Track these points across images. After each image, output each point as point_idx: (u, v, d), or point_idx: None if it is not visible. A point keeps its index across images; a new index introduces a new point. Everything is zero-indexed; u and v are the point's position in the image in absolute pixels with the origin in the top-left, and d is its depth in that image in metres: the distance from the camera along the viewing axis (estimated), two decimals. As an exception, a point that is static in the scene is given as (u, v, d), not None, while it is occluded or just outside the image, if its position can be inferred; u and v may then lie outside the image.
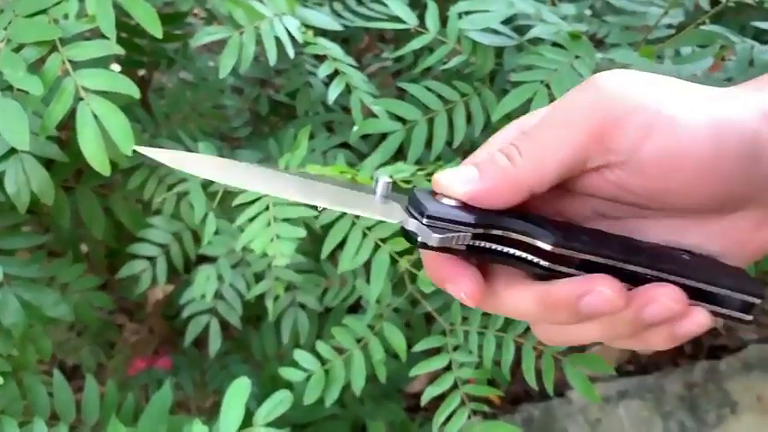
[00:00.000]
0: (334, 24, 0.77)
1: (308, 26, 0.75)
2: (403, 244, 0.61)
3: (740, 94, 0.25)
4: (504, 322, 0.63)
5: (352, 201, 0.27)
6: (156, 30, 0.57)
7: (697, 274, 0.26)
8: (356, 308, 0.81)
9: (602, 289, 0.24)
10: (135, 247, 0.76)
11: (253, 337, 0.94)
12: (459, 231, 0.26)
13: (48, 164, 0.67)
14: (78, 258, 0.85)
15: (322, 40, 0.73)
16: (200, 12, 0.97)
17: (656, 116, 0.24)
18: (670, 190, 0.25)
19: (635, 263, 0.26)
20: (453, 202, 0.26)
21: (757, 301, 0.26)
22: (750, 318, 0.27)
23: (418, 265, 0.62)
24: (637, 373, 1.26)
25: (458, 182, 0.26)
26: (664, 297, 0.24)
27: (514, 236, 0.26)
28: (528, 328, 0.63)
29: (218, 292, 0.75)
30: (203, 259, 0.77)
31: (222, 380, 0.94)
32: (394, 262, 0.62)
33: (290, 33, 0.71)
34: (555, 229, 0.26)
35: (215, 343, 0.78)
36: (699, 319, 0.25)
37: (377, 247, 0.61)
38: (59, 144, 0.69)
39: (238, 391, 0.59)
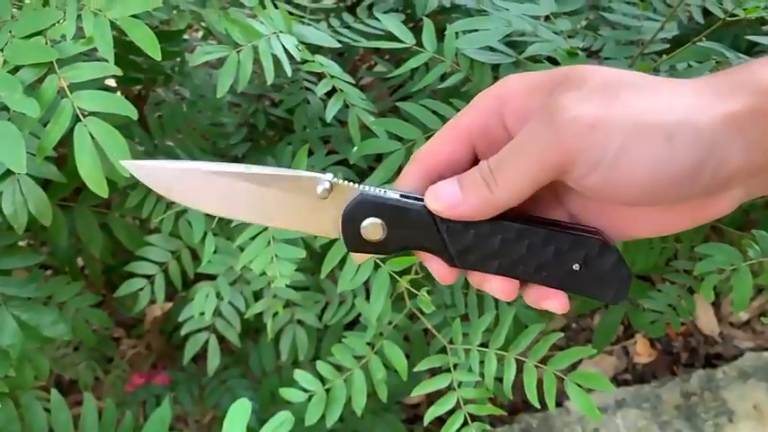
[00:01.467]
0: (331, 42, 0.77)
1: (304, 42, 0.75)
2: (403, 263, 0.61)
3: (700, 103, 0.28)
4: (504, 341, 0.63)
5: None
6: (156, 52, 0.57)
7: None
8: (354, 322, 0.81)
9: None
10: (133, 265, 0.76)
11: (251, 351, 0.94)
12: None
13: (45, 182, 0.67)
14: (76, 276, 0.85)
15: (320, 58, 0.73)
16: (196, 26, 0.97)
17: (602, 154, 0.28)
18: (611, 209, 0.32)
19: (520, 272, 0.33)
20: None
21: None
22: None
23: (418, 284, 0.62)
24: (634, 383, 1.26)
25: (443, 204, 0.32)
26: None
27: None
28: (529, 346, 0.63)
29: (217, 309, 0.75)
30: (201, 276, 0.76)
31: (221, 395, 0.94)
32: (393, 280, 0.62)
33: (287, 51, 0.71)
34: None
35: (213, 360, 0.78)
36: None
37: (376, 266, 0.61)
38: (57, 162, 0.69)
39: (239, 413, 0.59)
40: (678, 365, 1.29)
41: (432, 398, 0.67)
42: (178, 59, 0.85)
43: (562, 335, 0.64)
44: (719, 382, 1.19)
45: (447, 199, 0.32)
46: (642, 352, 1.30)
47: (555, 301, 0.33)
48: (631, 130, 0.28)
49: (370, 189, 0.32)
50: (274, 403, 0.93)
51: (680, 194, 0.29)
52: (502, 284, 0.33)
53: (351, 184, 0.32)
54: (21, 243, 0.81)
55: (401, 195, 0.33)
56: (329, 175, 0.32)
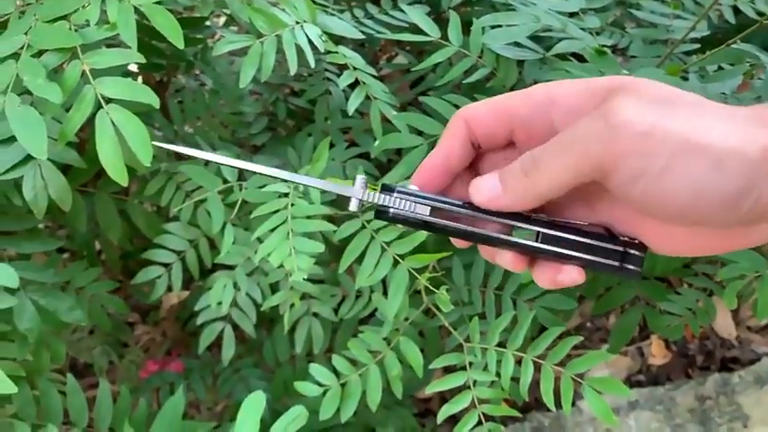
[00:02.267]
0: (355, 32, 0.76)
1: (327, 32, 0.74)
2: (422, 260, 0.60)
3: (752, 132, 0.27)
4: (522, 342, 0.63)
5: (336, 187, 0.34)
6: (179, 40, 0.56)
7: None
8: (370, 314, 0.81)
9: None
10: (151, 252, 0.76)
11: (265, 340, 0.94)
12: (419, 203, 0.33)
13: (65, 168, 0.67)
14: (93, 261, 0.85)
15: (342, 49, 0.72)
16: (218, 12, 0.96)
17: (649, 166, 0.28)
18: (644, 222, 0.31)
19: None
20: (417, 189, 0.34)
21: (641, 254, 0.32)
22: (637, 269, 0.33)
23: (436, 281, 0.61)
24: (648, 384, 1.25)
25: (485, 196, 0.32)
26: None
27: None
28: (548, 349, 0.62)
29: (234, 299, 0.75)
30: (218, 266, 0.76)
31: (234, 384, 0.94)
32: (412, 277, 0.61)
33: (310, 41, 0.71)
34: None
35: (228, 351, 0.78)
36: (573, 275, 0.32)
37: (395, 263, 0.60)
38: (77, 147, 0.69)
39: (254, 405, 0.59)
40: (693, 368, 1.27)
41: (444, 394, 0.67)
42: (200, 46, 0.84)
43: (581, 338, 0.63)
44: (735, 387, 1.18)
45: (488, 192, 0.32)
46: (657, 353, 1.29)
47: (569, 274, 0.32)
48: (683, 146, 0.27)
49: (400, 203, 0.33)
50: (288, 394, 0.93)
51: (716, 221, 0.28)
52: (513, 259, 0.33)
53: (382, 196, 0.33)
54: (39, 226, 0.82)
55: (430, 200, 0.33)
56: (359, 190, 0.34)
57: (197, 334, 0.83)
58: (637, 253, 0.32)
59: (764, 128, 0.27)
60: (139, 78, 0.86)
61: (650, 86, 0.30)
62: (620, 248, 0.32)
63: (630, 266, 0.32)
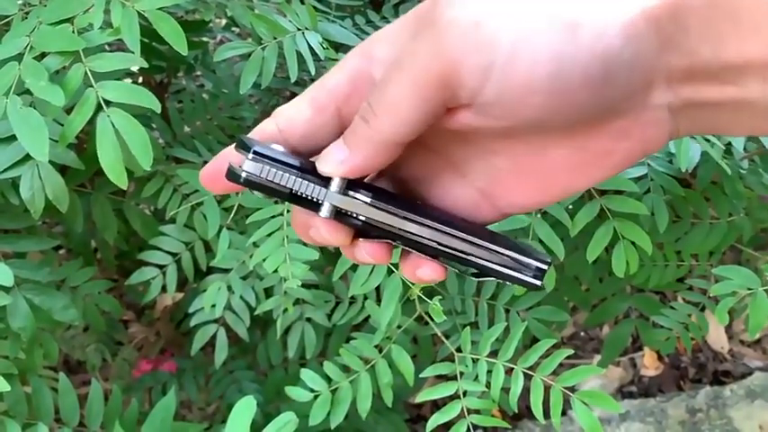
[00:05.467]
0: (355, 40, 0.76)
1: (328, 39, 0.75)
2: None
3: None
4: (514, 353, 0.63)
5: None
6: (183, 47, 0.57)
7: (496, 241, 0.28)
8: (364, 320, 0.81)
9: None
10: (146, 254, 0.76)
11: (259, 342, 0.94)
12: (282, 170, 0.27)
13: (63, 167, 0.67)
14: (89, 260, 0.85)
15: (343, 56, 0.73)
16: (219, 14, 0.96)
17: (493, 56, 0.23)
18: (519, 126, 0.25)
19: (442, 243, 0.28)
20: (282, 149, 0.27)
21: (545, 267, 0.29)
22: (539, 283, 0.29)
23: (431, 291, 0.62)
24: (639, 395, 1.26)
25: (332, 163, 0.27)
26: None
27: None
28: (538, 362, 0.63)
29: (227, 302, 0.75)
30: (213, 268, 0.77)
31: (227, 386, 0.95)
32: (406, 286, 0.61)
33: (311, 48, 0.71)
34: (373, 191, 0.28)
35: (221, 354, 0.78)
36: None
37: (389, 272, 0.61)
38: (77, 148, 0.69)
39: (244, 410, 0.59)
40: (685, 380, 1.28)
41: (436, 401, 0.67)
42: (201, 50, 0.85)
43: (572, 351, 0.64)
44: (726, 401, 1.18)
45: (333, 157, 0.27)
46: (649, 365, 1.30)
47: (428, 269, 0.28)
48: (525, 22, 0.23)
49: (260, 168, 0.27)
50: (280, 397, 0.94)
51: (594, 99, 0.24)
52: (373, 249, 0.28)
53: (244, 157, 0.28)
54: (36, 223, 0.82)
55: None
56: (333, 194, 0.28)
57: (191, 334, 0.83)
58: (542, 266, 0.29)
59: None
60: (140, 79, 0.86)
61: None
62: (530, 261, 0.28)
63: (535, 281, 0.29)
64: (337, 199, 0.27)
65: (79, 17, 0.60)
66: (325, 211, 0.27)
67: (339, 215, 0.28)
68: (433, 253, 0.28)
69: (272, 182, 0.27)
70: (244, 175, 0.26)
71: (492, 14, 0.23)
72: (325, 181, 0.27)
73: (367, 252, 0.28)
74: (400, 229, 0.28)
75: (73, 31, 0.59)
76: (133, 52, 0.58)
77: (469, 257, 0.28)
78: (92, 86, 0.58)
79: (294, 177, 0.27)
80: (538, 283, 0.29)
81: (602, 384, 1.27)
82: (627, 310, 0.92)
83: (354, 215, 0.28)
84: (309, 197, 0.27)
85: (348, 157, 0.26)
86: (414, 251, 0.29)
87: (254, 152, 0.26)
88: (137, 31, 0.58)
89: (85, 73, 0.58)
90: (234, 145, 0.28)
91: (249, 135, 0.29)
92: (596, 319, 0.94)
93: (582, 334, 1.31)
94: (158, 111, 0.58)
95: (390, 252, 0.29)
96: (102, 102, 0.58)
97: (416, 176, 0.30)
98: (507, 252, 0.28)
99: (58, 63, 0.59)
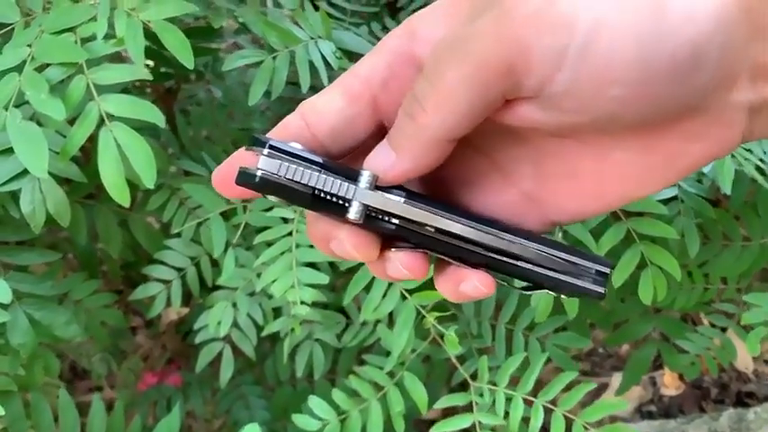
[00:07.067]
0: (370, 48, 0.73)
1: (341, 48, 0.72)
2: (430, 298, 0.57)
3: None
4: (534, 386, 0.60)
5: None
6: (188, 60, 0.54)
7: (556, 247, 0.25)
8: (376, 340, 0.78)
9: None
10: (151, 268, 0.74)
11: (267, 355, 0.92)
12: (303, 167, 0.23)
13: (66, 179, 0.65)
14: (94, 271, 0.83)
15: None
16: (231, 19, 0.94)
17: (569, 38, 0.20)
18: (586, 123, 0.22)
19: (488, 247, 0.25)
20: (300, 146, 0.24)
21: (607, 270, 0.25)
22: (602, 290, 0.25)
23: (445, 321, 0.58)
24: (659, 415, 1.22)
25: (379, 170, 0.24)
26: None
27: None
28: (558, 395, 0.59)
29: (234, 320, 0.72)
30: (219, 284, 0.74)
31: (233, 401, 0.92)
32: (420, 315, 0.58)
33: (324, 57, 0.68)
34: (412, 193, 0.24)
35: (226, 372, 0.76)
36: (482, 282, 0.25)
37: (403, 297, 0.58)
38: (80, 158, 0.67)
39: (249, 440, 0.56)
40: (707, 401, 1.24)
41: (448, 413, 0.64)
42: (211, 57, 0.82)
43: (594, 385, 0.60)
44: (750, 424, 1.14)
45: (378, 163, 0.23)
46: (670, 384, 1.25)
47: (474, 281, 0.25)
48: (607, 1, 0.20)
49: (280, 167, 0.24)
50: (287, 416, 0.91)
51: (679, 91, 0.21)
52: (409, 260, 0.25)
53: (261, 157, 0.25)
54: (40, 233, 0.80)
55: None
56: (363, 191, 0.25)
57: (198, 347, 0.81)
58: (604, 269, 0.25)
59: None
60: (148, 91, 0.84)
61: None
62: (588, 264, 0.25)
63: (596, 287, 0.25)
64: (369, 197, 0.23)
65: (82, 26, 0.57)
66: (354, 212, 0.23)
67: (369, 219, 0.24)
68: (479, 260, 0.25)
69: (292, 180, 0.23)
70: (259, 173, 0.23)
71: None
72: (353, 179, 0.24)
73: (402, 264, 0.25)
74: (443, 231, 0.24)
75: (76, 41, 0.56)
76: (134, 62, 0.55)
77: (520, 264, 0.25)
78: (94, 100, 0.55)
79: (318, 174, 0.23)
80: (600, 290, 0.25)
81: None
82: (649, 331, 0.88)
83: (387, 218, 0.24)
84: (335, 198, 0.23)
85: (396, 161, 0.23)
86: (454, 261, 0.25)
87: (270, 146, 0.23)
88: (142, 42, 0.55)
89: (87, 85, 0.55)
90: (247, 145, 0.24)
91: (269, 134, 0.25)
92: (617, 339, 0.91)
93: (600, 350, 1.27)
94: (162, 125, 0.56)
95: (428, 263, 0.25)
96: (104, 115, 0.55)
97: (454, 178, 0.26)
98: (564, 255, 0.25)
99: (60, 74, 0.56)
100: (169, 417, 0.73)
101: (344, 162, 0.25)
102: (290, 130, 0.25)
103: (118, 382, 1.03)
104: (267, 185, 0.23)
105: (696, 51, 0.20)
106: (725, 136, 0.23)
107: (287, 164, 0.23)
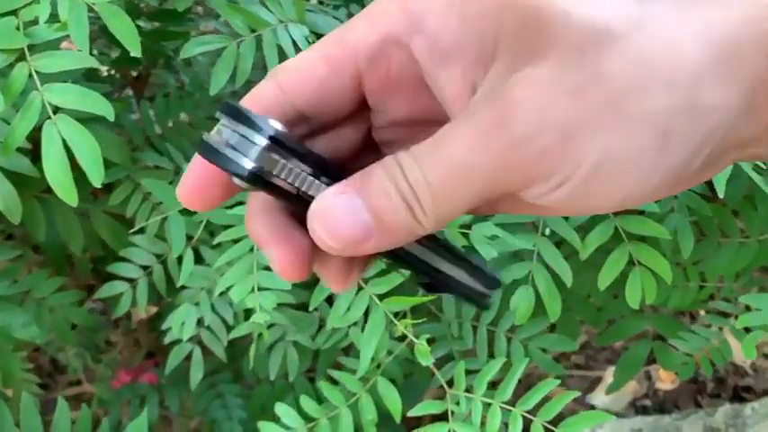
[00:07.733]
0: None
1: (316, 32, 0.67)
2: (401, 303, 0.54)
3: (716, 69, 0.20)
4: (513, 395, 0.56)
5: None
6: (136, 48, 0.50)
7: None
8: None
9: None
10: (116, 266, 0.70)
11: (244, 352, 0.88)
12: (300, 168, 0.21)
13: (19, 174, 0.61)
14: (62, 267, 0.79)
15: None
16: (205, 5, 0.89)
17: (573, 169, 0.20)
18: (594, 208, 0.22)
19: None
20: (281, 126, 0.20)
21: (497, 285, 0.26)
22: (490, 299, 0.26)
23: (427, 314, 0.55)
24: (654, 410, 1.19)
25: (353, 237, 0.21)
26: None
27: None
28: (539, 404, 0.56)
29: (202, 321, 0.69)
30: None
31: (210, 400, 0.89)
32: (390, 322, 0.54)
33: (295, 42, 0.64)
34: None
35: (196, 375, 0.72)
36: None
37: (372, 302, 0.54)
38: (33, 154, 0.63)
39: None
40: (703, 395, 1.21)
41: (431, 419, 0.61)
42: (181, 42, 0.77)
43: (578, 394, 0.57)
44: (747, 420, 1.11)
45: (349, 233, 0.21)
46: (665, 378, 1.22)
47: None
48: (614, 130, 0.19)
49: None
50: (264, 413, 0.88)
51: (669, 190, 0.21)
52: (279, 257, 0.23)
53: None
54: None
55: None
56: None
57: (172, 343, 0.77)
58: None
59: (737, 57, 0.19)
60: (114, 72, 0.79)
61: (563, 19, 0.19)
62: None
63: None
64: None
65: (25, 10, 0.53)
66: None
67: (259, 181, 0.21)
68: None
69: (285, 181, 0.20)
70: (250, 167, 0.19)
71: (579, 125, 0.20)
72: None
73: (273, 261, 0.23)
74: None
75: (18, 27, 0.52)
76: (81, 50, 0.51)
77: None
78: (37, 89, 0.51)
79: (312, 180, 0.21)
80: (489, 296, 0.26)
81: (615, 398, 1.20)
82: (643, 329, 0.85)
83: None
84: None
85: (374, 241, 0.21)
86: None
87: (271, 138, 0.20)
88: (86, 25, 0.51)
89: (30, 74, 0.51)
90: (217, 113, 0.21)
91: (244, 101, 0.22)
92: (609, 338, 0.87)
93: (594, 343, 1.23)
94: (112, 118, 0.52)
95: (305, 266, 0.23)
96: (48, 107, 0.51)
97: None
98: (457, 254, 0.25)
99: (2, 61, 0.52)
100: (137, 419, 0.70)
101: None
102: (264, 99, 0.23)
103: (96, 377, 1.00)
104: (257, 182, 0.20)
105: (690, 159, 0.20)
106: (718, 171, 0.23)
107: (284, 161, 0.20)
